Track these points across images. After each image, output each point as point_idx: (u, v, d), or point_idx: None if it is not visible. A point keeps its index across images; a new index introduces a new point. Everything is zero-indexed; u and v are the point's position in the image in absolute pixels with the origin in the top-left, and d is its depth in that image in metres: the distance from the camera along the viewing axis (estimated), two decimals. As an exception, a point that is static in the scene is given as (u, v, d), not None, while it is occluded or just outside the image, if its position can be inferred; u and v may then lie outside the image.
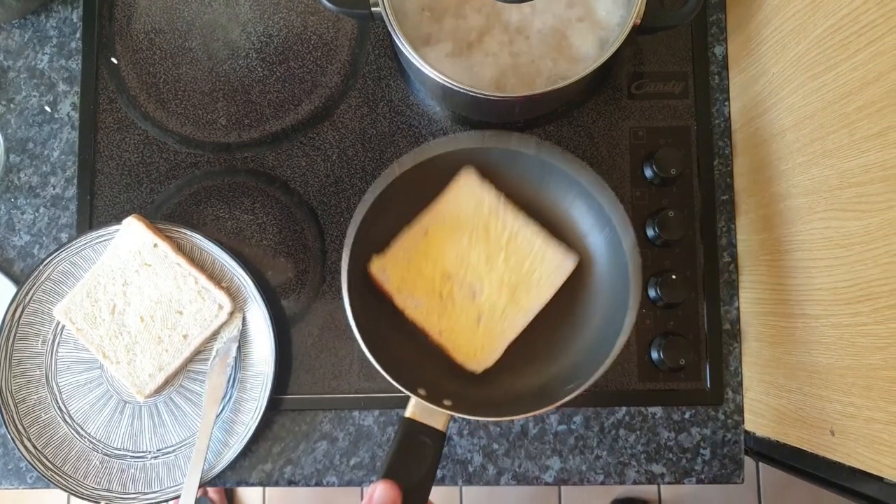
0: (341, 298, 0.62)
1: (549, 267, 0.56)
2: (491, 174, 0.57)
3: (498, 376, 0.55)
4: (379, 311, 0.55)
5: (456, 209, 0.56)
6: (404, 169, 0.53)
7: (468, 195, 0.56)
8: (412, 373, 0.52)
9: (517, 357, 0.56)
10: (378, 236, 0.55)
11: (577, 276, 0.57)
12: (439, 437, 0.49)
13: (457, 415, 0.50)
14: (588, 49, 0.58)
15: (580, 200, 0.56)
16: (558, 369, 0.55)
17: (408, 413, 0.50)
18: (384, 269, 0.55)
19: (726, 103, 0.65)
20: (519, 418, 0.57)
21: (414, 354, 0.56)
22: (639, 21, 0.54)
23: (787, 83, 0.56)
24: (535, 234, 0.56)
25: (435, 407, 0.49)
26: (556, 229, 0.57)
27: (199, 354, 0.61)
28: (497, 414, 0.52)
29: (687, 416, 0.62)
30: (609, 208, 0.53)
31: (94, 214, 0.63)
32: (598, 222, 0.56)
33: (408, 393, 0.50)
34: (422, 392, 0.50)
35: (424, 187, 0.56)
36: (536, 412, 0.50)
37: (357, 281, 0.53)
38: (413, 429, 0.49)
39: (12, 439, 0.58)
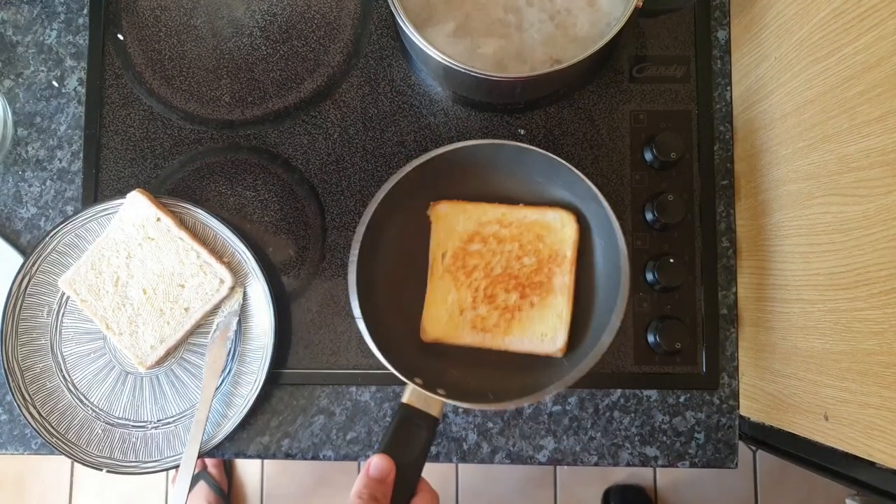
0: (340, 277, 0.63)
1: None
2: (497, 173, 0.58)
3: (492, 371, 0.57)
4: (381, 300, 0.57)
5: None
6: (417, 164, 0.55)
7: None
8: (410, 361, 0.54)
9: (514, 357, 0.58)
10: (388, 226, 0.58)
11: (586, 289, 0.58)
12: (433, 422, 0.52)
13: (450, 402, 0.52)
14: (590, 31, 0.58)
15: (583, 206, 0.58)
16: (551, 370, 0.57)
17: (404, 399, 0.52)
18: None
19: (728, 88, 0.64)
20: (508, 406, 0.60)
21: (412, 343, 0.58)
22: (641, 3, 0.54)
23: (789, 68, 0.56)
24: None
25: (430, 394, 0.51)
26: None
27: (199, 328, 0.62)
28: (488, 402, 0.53)
29: (682, 399, 0.62)
30: (609, 213, 0.54)
31: (99, 188, 0.64)
32: (597, 228, 0.57)
33: (405, 380, 0.52)
34: (418, 381, 0.52)
35: (435, 183, 0.58)
36: (522, 401, 0.53)
37: (363, 269, 0.54)
38: (409, 413, 0.51)
39: (18, 406, 0.60)
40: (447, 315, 0.58)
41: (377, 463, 0.48)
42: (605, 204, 0.53)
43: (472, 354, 0.58)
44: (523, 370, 0.58)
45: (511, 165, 0.58)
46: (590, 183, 0.54)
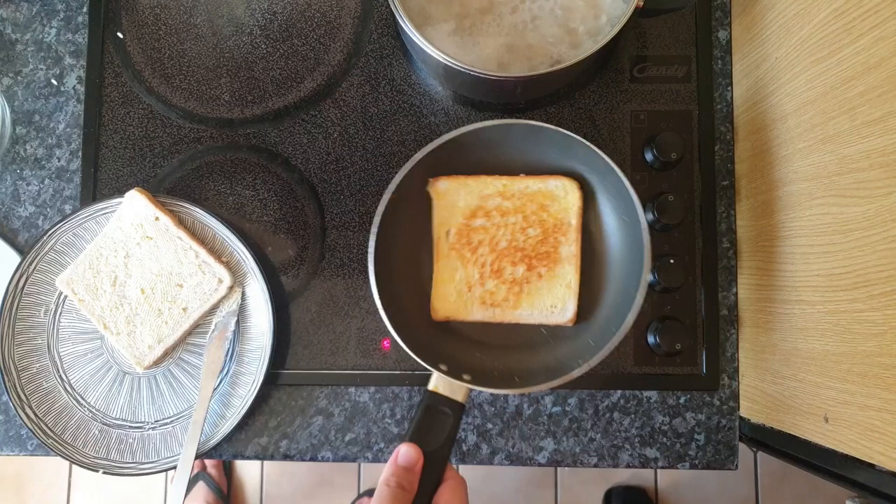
0: (340, 277, 0.63)
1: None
2: (496, 148, 0.57)
3: (515, 352, 0.57)
4: (401, 289, 0.57)
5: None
6: (432, 147, 0.54)
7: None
8: (433, 348, 0.54)
9: (535, 335, 0.58)
10: (403, 217, 0.57)
11: (592, 256, 0.58)
12: (459, 408, 0.52)
13: (476, 388, 0.52)
14: (591, 30, 0.58)
15: (601, 182, 0.57)
16: (573, 347, 0.56)
17: (430, 386, 0.52)
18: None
19: (729, 88, 0.64)
20: (534, 390, 0.59)
21: (435, 331, 0.58)
22: (642, 3, 0.54)
23: (790, 68, 0.56)
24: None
25: (455, 381, 0.51)
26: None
27: (198, 328, 0.62)
28: (513, 386, 0.53)
29: (682, 401, 0.62)
30: (629, 189, 0.53)
31: (97, 187, 0.64)
32: (617, 204, 0.56)
33: (430, 368, 0.52)
34: (443, 367, 0.52)
35: (433, 164, 0.57)
36: (550, 384, 0.52)
37: (381, 260, 0.54)
38: (435, 401, 0.51)
39: (14, 407, 0.59)
40: (456, 293, 0.58)
41: (405, 451, 0.48)
42: (610, 161, 0.53)
43: (490, 335, 0.58)
44: (546, 349, 0.57)
45: (512, 142, 0.57)
46: (595, 148, 0.53)
